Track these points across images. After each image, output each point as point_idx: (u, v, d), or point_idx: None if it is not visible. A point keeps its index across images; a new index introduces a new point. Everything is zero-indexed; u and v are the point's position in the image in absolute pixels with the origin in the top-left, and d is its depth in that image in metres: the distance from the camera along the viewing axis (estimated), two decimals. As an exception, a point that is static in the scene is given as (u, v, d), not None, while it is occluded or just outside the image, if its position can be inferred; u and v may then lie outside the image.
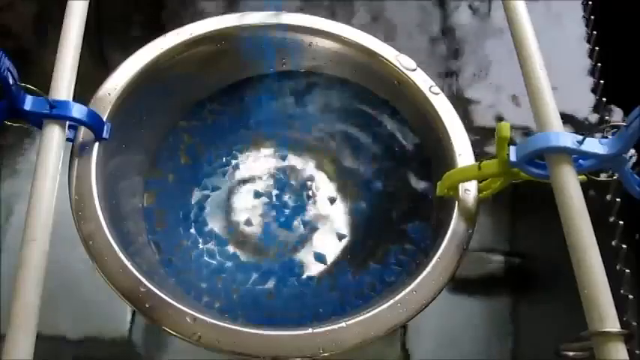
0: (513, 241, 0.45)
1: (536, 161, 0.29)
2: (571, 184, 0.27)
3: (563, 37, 0.46)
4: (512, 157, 0.29)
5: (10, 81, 0.27)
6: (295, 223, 0.39)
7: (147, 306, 0.28)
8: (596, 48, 0.44)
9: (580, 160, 0.28)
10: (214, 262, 0.37)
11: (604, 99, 0.41)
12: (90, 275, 0.30)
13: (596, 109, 0.42)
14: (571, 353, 0.29)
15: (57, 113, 0.29)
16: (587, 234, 0.26)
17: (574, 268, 0.26)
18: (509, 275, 0.44)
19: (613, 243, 0.34)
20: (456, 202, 0.32)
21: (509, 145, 0.29)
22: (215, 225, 0.38)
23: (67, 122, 0.30)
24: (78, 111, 0.30)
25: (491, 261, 0.44)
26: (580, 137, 0.27)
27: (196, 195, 0.39)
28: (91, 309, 0.39)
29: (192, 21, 0.38)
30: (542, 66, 0.31)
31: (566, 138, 0.28)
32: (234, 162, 0.41)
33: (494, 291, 0.44)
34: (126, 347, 0.39)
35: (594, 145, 0.27)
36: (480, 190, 0.33)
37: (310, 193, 0.41)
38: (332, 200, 0.40)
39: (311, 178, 0.41)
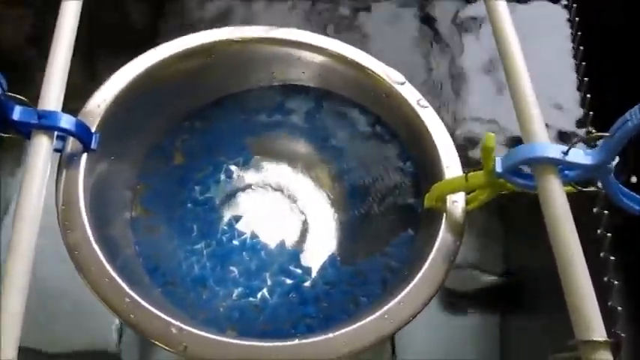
0: (504, 257, 0.45)
1: (522, 172, 0.29)
2: (557, 194, 0.27)
3: (550, 52, 0.47)
4: (498, 168, 0.29)
5: (-1, 91, 0.27)
6: (283, 234, 0.39)
7: (132, 317, 0.28)
8: (583, 63, 0.45)
9: (566, 171, 0.29)
10: (202, 271, 0.37)
11: (591, 112, 0.42)
12: (77, 288, 0.29)
13: (583, 121, 0.43)
14: (560, 364, 0.29)
15: (45, 124, 0.29)
16: (573, 243, 0.26)
17: (560, 277, 0.26)
18: (501, 290, 0.44)
19: (602, 255, 0.34)
20: (444, 214, 0.32)
21: (494, 156, 0.29)
22: (203, 234, 0.38)
23: (56, 133, 0.30)
24: (66, 121, 0.30)
25: (482, 277, 0.44)
26: (565, 148, 0.28)
27: (185, 205, 0.39)
28: (79, 322, 0.39)
29: (183, 34, 0.38)
30: (527, 79, 0.31)
31: (552, 148, 0.28)
32: (223, 172, 0.41)
33: (485, 306, 0.44)
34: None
35: (579, 155, 0.28)
36: (467, 202, 0.33)
37: (299, 204, 0.41)
38: (320, 213, 0.41)
39: (300, 190, 0.41)
